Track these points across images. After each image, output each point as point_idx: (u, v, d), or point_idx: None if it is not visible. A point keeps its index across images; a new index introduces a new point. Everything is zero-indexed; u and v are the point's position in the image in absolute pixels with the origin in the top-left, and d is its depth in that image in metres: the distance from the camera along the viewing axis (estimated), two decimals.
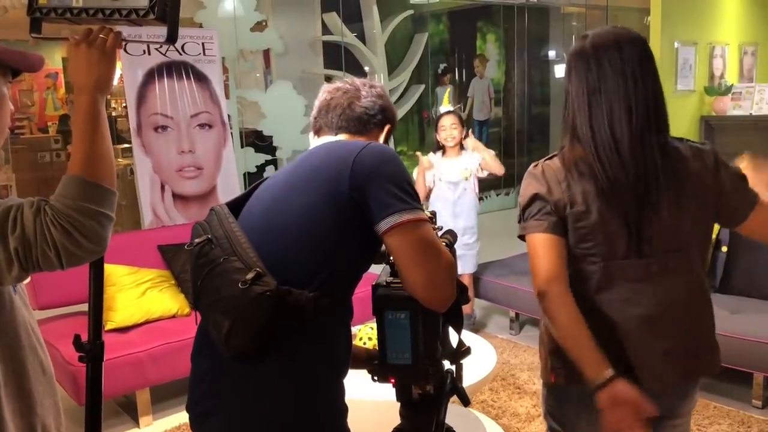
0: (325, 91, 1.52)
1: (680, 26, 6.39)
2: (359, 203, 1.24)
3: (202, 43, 4.88)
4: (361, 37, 7.16)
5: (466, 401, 1.42)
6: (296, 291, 1.21)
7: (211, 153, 4.81)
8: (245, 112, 6.29)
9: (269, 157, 6.09)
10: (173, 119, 4.57)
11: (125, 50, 4.42)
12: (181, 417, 3.29)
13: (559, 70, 8.83)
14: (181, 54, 4.67)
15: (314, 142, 1.52)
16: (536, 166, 1.57)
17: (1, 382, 1.20)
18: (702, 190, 1.50)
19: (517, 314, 4.26)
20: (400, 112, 7.44)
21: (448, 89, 5.11)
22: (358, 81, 1.52)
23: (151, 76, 4.53)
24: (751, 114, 6.32)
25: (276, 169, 6.15)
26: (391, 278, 1.33)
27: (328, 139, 1.48)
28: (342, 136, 1.47)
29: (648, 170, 1.46)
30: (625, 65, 1.46)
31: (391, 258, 1.37)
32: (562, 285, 1.46)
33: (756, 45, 7.18)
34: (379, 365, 1.35)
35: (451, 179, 4.02)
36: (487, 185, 7.59)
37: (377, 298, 1.28)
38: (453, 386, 1.42)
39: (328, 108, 1.49)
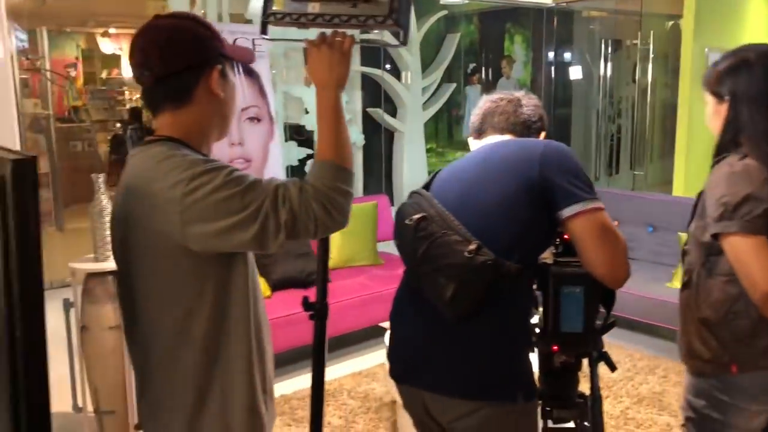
0: (488, 101, 1.74)
1: (712, 32, 6.53)
2: (545, 190, 1.44)
3: (252, 39, 5.02)
4: (398, 37, 7.27)
5: (612, 367, 1.62)
6: (507, 262, 1.41)
7: (259, 146, 4.96)
8: (288, 107, 6.44)
9: (310, 151, 6.25)
10: None
11: None
12: (282, 388, 3.50)
13: (574, 72, 9.02)
14: None
15: (476, 143, 1.73)
16: (733, 165, 1.61)
17: (252, 332, 1.35)
18: None
19: None
20: (432, 110, 7.61)
21: None
22: (516, 93, 1.74)
23: None
24: None
25: None
26: (556, 258, 1.54)
27: (494, 138, 1.68)
28: (507, 137, 1.67)
29: None
30: None
31: (557, 240, 1.57)
32: None
33: None
34: (541, 335, 1.56)
35: None
36: None
37: (554, 275, 1.49)
38: (599, 354, 1.62)
39: (494, 113, 1.70)
